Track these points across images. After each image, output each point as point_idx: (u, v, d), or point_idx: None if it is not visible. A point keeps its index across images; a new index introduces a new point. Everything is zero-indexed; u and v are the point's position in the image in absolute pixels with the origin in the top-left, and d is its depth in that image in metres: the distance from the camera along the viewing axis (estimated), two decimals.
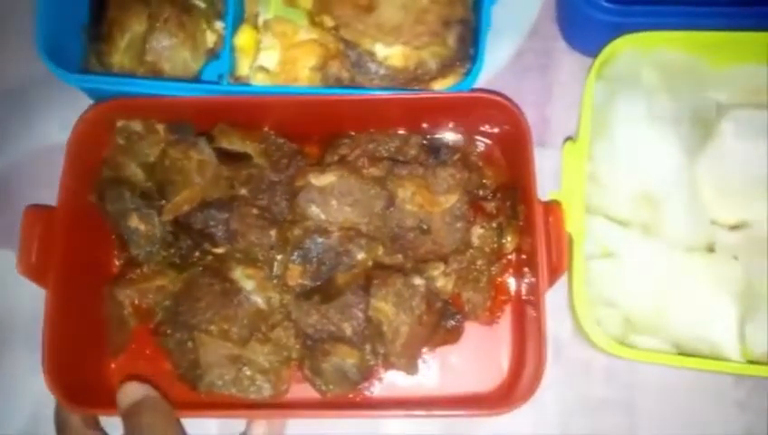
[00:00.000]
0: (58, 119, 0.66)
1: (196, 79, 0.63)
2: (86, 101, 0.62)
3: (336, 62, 0.59)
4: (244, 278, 0.54)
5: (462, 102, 0.57)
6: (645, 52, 0.53)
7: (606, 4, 0.55)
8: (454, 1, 0.58)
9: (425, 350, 0.58)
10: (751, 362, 0.50)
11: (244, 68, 0.60)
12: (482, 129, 0.60)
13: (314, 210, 0.55)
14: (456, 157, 0.59)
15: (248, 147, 0.56)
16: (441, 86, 0.59)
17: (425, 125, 0.60)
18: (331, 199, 0.55)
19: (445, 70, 0.59)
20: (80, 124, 0.54)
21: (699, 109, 0.52)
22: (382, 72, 0.58)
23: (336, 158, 0.58)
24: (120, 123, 0.54)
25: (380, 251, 0.55)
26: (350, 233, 0.55)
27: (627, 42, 0.53)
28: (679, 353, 0.51)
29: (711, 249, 0.51)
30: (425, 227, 0.56)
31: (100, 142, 0.55)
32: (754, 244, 0.49)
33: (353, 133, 0.59)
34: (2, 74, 0.68)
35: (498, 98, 0.55)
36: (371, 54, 0.58)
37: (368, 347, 0.55)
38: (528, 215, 0.54)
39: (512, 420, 0.54)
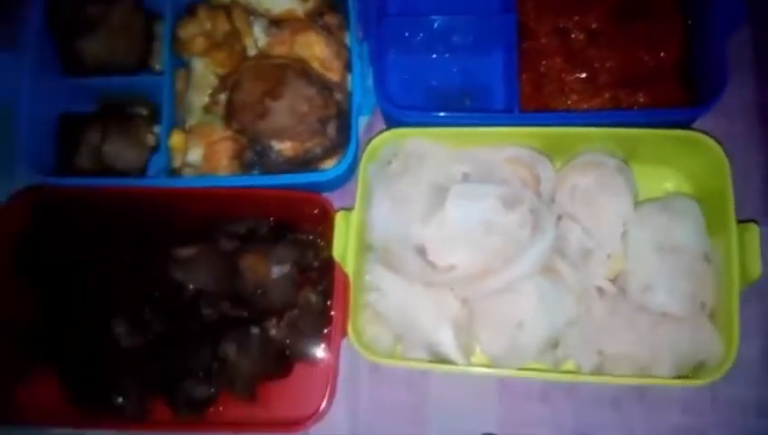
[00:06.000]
0: None
1: (143, 171, 0.82)
2: None
3: (249, 152, 0.78)
4: None
5: (288, 199, 0.76)
6: (399, 142, 0.71)
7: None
8: (328, 104, 0.77)
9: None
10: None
11: (178, 162, 0.78)
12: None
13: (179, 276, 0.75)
14: (291, 237, 0.77)
15: None
16: (328, 166, 0.78)
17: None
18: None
19: (329, 153, 0.78)
20: None
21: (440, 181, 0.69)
22: (281, 160, 0.77)
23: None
24: None
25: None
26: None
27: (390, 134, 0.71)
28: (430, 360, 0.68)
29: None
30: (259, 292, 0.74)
31: None
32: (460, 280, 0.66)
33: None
34: None
35: (312, 195, 0.74)
36: (270, 148, 0.77)
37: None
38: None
39: None
